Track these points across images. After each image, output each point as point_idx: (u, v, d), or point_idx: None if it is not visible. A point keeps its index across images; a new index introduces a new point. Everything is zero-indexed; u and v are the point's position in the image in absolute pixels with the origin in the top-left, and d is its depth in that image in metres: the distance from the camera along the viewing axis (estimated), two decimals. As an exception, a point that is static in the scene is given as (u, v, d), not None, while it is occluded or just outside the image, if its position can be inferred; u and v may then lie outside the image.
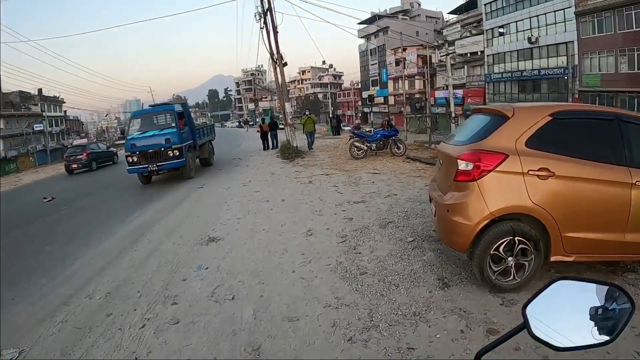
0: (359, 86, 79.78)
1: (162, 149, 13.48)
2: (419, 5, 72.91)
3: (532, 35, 39.57)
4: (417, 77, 58.69)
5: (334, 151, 19.40)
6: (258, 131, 27.40)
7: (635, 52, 31.06)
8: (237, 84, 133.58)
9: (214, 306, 4.48)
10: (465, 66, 49.91)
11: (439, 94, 51.91)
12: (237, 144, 32.41)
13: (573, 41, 35.89)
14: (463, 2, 52.09)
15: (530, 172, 4.01)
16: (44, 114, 61.39)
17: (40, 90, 63.05)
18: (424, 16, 68.90)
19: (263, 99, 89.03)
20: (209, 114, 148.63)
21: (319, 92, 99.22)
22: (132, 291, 5.13)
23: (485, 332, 3.53)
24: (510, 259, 4.14)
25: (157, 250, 6.73)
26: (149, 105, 17.04)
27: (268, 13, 19.41)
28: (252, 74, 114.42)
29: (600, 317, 1.24)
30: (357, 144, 16.29)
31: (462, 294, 4.34)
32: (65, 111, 72.60)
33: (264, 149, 23.67)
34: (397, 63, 59.32)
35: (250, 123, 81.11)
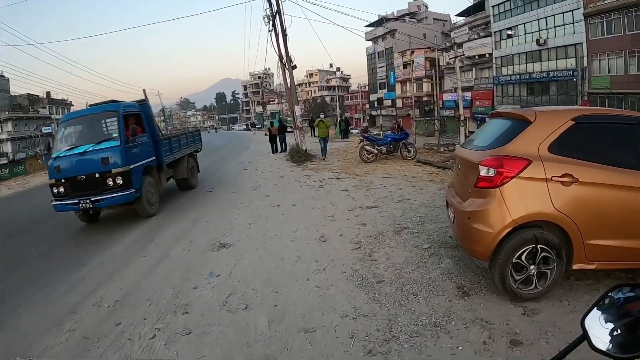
0: (367, 89, 79.84)
1: (97, 174, 8.78)
2: (426, 7, 72.88)
3: (540, 37, 39.37)
4: (425, 79, 58.67)
5: (343, 154, 19.38)
6: (266, 134, 27.39)
7: (644, 54, 30.83)
8: (245, 87, 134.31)
9: (227, 316, 4.36)
10: (474, 68, 49.79)
11: (447, 96, 51.81)
12: (245, 147, 32.54)
13: (582, 43, 35.64)
14: (471, 4, 52.03)
15: (553, 179, 3.92)
16: (52, 116, 61.65)
17: (48, 93, 63.59)
18: (431, 19, 68.93)
19: (271, 102, 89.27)
20: (217, 117, 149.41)
21: (327, 95, 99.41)
22: (141, 299, 5.02)
23: (508, 343, 3.43)
24: (532, 267, 4.05)
25: (167, 256, 6.62)
26: (88, 105, 10.77)
27: (277, 16, 19.41)
28: (259, 77, 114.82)
29: None
30: (367, 147, 16.26)
31: (483, 303, 4.23)
32: (72, 116, 73.10)
33: (273, 153, 23.67)
34: (405, 66, 59.34)
35: (257, 126, 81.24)
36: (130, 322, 4.44)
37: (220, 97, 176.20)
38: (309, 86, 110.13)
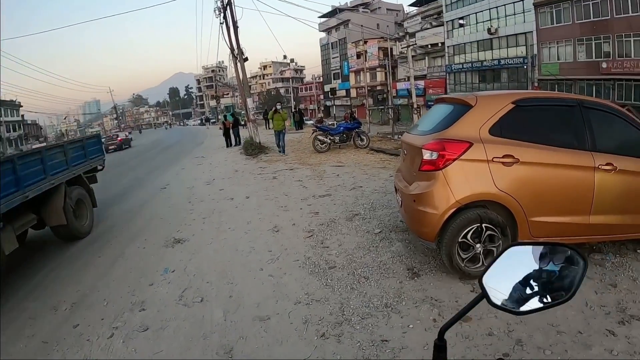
0: (321, 80, 79.78)
1: None
2: (380, -3, 73.27)
3: (491, 26, 40.39)
4: (378, 69, 59.07)
5: (297, 145, 19.36)
6: (220, 128, 27.12)
7: (592, 41, 32.27)
8: (198, 81, 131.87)
9: (183, 310, 4.40)
10: (426, 57, 50.50)
11: (401, 85, 52.34)
12: (199, 142, 32.08)
13: (532, 31, 36.95)
14: (423, -6, 52.67)
15: (494, 160, 4.09)
16: (0, 119, 59.17)
17: (-6, 95, 60.85)
18: (384, 9, 69.21)
19: (224, 96, 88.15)
20: (170, 113, 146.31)
21: (281, 87, 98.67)
22: (98, 300, 4.97)
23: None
24: (478, 245, 4.23)
25: (122, 255, 6.54)
26: None
27: (228, 8, 19.19)
28: (212, 71, 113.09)
29: (556, 277, 1.26)
30: (320, 137, 16.35)
31: (433, 282, 4.41)
32: (22, 115, 70.19)
33: (227, 147, 23.43)
34: (359, 56, 59.53)
35: (212, 120, 79.97)
36: (88, 323, 4.40)
37: (174, 92, 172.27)
38: (263, 78, 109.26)
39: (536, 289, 1.25)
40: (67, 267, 6.36)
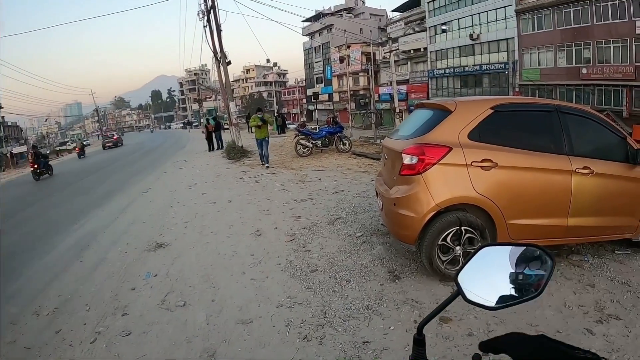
0: (304, 84, 79.90)
1: None
2: (363, 3, 73.69)
3: (473, 32, 41.09)
4: (361, 73, 59.44)
5: (279, 150, 19.31)
6: (203, 132, 27.06)
7: (573, 48, 33.07)
8: (181, 84, 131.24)
9: (166, 314, 4.39)
10: (409, 62, 51.03)
11: (383, 90, 52.74)
12: (182, 145, 31.93)
13: (513, 37, 37.75)
14: (406, 0, 53.13)
15: (473, 164, 4.15)
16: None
17: (-24, 96, 59.68)
18: (368, 14, 69.73)
19: (207, 99, 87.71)
20: (152, 116, 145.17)
21: (264, 91, 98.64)
22: (80, 304, 4.92)
23: (438, 320, 3.59)
24: (458, 248, 4.29)
25: (104, 259, 6.48)
26: None
27: (211, 11, 19.16)
28: (195, 74, 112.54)
29: (526, 274, 1.31)
30: (302, 141, 16.34)
31: (413, 284, 4.46)
32: (2, 117, 68.91)
33: (210, 150, 23.37)
34: (342, 60, 59.73)
35: (194, 124, 79.58)
36: (71, 328, 4.36)
37: (156, 95, 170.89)
38: (246, 82, 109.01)
39: (508, 286, 1.30)
40: (48, 272, 6.28)
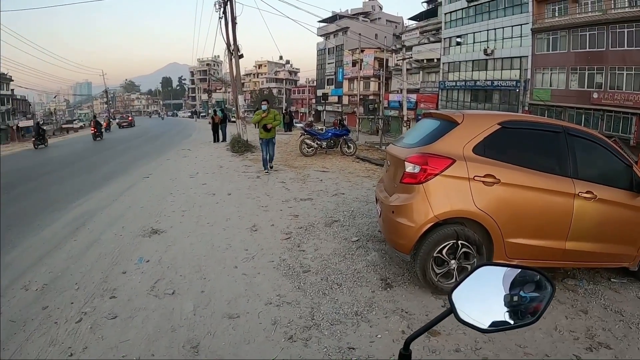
0: (314, 84, 79.94)
1: None
2: (380, 8, 73.82)
3: (488, 47, 41.00)
4: (372, 79, 59.42)
5: (284, 147, 19.28)
6: (210, 123, 27.07)
7: (586, 71, 33.05)
8: (192, 74, 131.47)
9: (154, 301, 4.36)
10: (421, 72, 51.02)
11: (393, 97, 52.70)
12: (188, 134, 32.00)
13: (527, 56, 37.71)
14: (424, 10, 53.20)
15: (476, 178, 4.12)
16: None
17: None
18: (384, 20, 69.84)
19: (217, 90, 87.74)
20: (161, 102, 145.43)
21: (274, 87, 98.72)
22: (70, 283, 4.90)
23: (427, 333, 3.55)
24: (453, 262, 4.27)
25: (98, 240, 6.46)
26: None
27: (228, 3, 19.20)
28: (207, 64, 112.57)
29: (523, 300, 1.29)
30: (307, 141, 16.33)
31: (405, 294, 4.42)
32: (12, 90, 69.00)
33: (215, 141, 23.44)
34: (354, 64, 59.84)
35: (202, 114, 79.80)
36: (58, 305, 4.34)
37: (167, 81, 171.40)
38: (257, 77, 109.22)
39: (503, 309, 1.28)
40: (41, 248, 6.27)
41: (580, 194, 4.22)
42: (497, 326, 1.27)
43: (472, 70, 43.33)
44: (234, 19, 19.32)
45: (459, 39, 44.31)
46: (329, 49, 70.20)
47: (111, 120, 48.98)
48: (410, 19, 58.37)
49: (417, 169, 4.24)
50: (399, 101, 44.06)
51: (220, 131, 23.89)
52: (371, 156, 16.34)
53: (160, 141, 26.16)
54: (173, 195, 9.52)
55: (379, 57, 57.62)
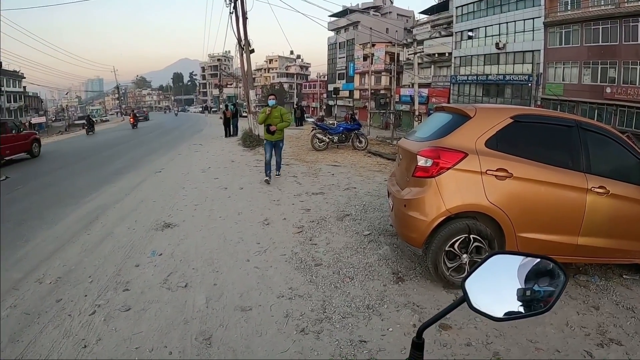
0: (325, 79, 79.80)
1: None
2: (391, 2, 73.38)
3: (500, 41, 40.68)
4: (383, 73, 59.15)
5: (295, 142, 19.30)
6: (221, 117, 27.16)
7: (599, 66, 32.63)
8: (203, 69, 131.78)
9: (166, 293, 4.40)
10: (432, 66, 50.73)
11: (404, 91, 52.48)
12: (199, 129, 32.15)
13: (539, 50, 37.30)
14: (435, 4, 52.94)
15: (488, 172, 4.09)
16: (2, 88, 58.51)
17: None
18: (395, 14, 69.40)
19: (228, 85, 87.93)
20: (172, 98, 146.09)
21: (285, 82, 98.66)
22: (83, 276, 4.95)
23: (437, 326, 3.58)
24: (464, 256, 4.25)
25: (111, 234, 6.52)
26: None
27: (239, -3, 19.15)
28: (218, 60, 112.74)
29: (536, 288, 1.29)
30: (319, 135, 16.32)
31: (416, 288, 4.42)
32: (24, 87, 69.66)
33: (226, 136, 23.52)
34: (365, 58, 59.58)
35: (213, 109, 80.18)
36: (71, 298, 4.39)
37: (178, 77, 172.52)
38: (268, 72, 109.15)
39: (516, 298, 1.27)
40: (55, 242, 6.34)
41: (593, 188, 4.18)
42: (509, 315, 1.27)
43: (484, 65, 42.94)
44: (244, 13, 19.30)
45: (470, 33, 43.99)
46: (339, 43, 69.99)
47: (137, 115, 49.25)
48: (421, 12, 58.13)
49: (429, 163, 4.23)
50: (410, 95, 43.95)
51: (231, 126, 23.94)
52: (382, 150, 16.31)
53: (171, 137, 26.25)
54: (185, 189, 9.57)
55: (390, 51, 57.37)
